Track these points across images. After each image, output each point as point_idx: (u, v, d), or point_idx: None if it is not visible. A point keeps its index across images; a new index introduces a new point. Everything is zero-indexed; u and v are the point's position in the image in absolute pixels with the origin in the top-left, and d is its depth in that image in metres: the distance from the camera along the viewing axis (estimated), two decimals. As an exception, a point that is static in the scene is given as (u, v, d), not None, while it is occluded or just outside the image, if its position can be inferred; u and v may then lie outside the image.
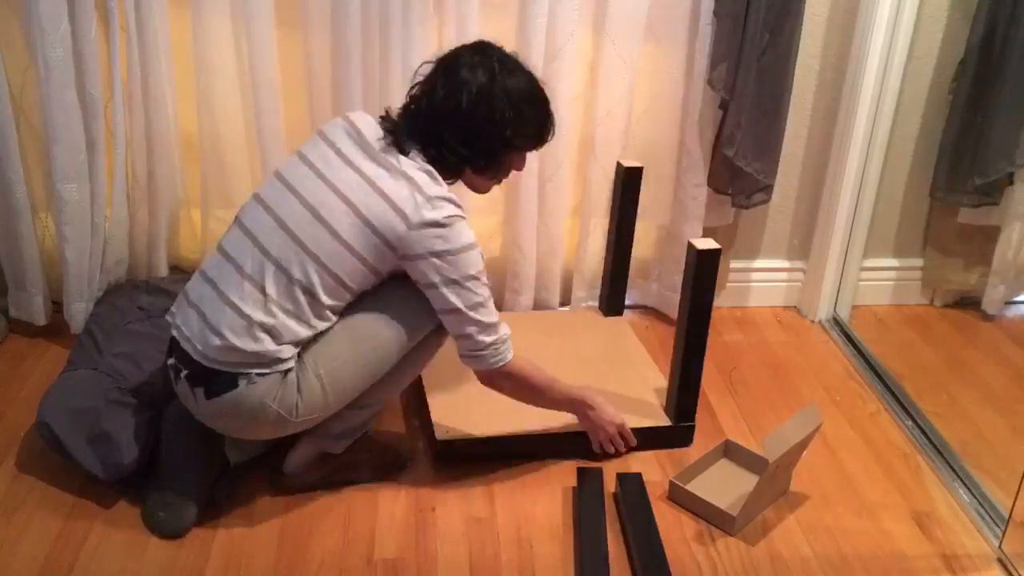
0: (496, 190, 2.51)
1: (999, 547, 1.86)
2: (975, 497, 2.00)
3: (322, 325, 1.72)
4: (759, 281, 2.77)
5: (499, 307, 2.62)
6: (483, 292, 1.76)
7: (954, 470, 2.08)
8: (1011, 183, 2.56)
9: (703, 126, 2.42)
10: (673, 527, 1.90)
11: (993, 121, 2.49)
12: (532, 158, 2.39)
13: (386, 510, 1.91)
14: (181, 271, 2.52)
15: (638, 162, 2.42)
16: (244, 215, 1.77)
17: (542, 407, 1.97)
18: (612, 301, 2.54)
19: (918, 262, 2.78)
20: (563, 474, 2.03)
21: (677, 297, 2.62)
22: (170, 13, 2.21)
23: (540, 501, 1.96)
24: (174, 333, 1.76)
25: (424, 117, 1.75)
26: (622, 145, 2.46)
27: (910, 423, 2.25)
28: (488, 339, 1.78)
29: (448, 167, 1.77)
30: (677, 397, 2.09)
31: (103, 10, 2.14)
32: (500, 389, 1.89)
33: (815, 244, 2.70)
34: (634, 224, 2.44)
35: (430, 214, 1.68)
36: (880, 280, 2.78)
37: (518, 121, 1.77)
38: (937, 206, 2.70)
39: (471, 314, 1.75)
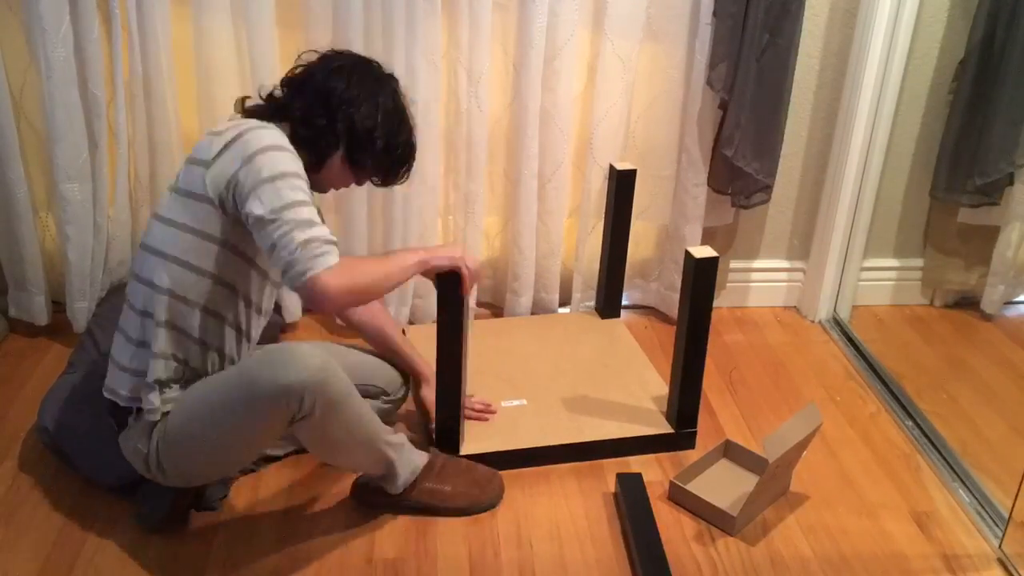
0: (496, 190, 2.53)
1: (999, 547, 1.86)
2: (975, 497, 2.00)
3: (197, 329, 1.66)
4: (759, 281, 2.77)
5: (499, 308, 2.66)
6: (292, 194, 1.52)
7: (954, 470, 2.08)
8: (1011, 183, 2.56)
9: (703, 126, 2.42)
10: (673, 527, 1.90)
11: (993, 121, 2.49)
12: (531, 157, 2.40)
13: (386, 510, 1.91)
14: None
15: (637, 162, 2.42)
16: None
17: (389, 291, 1.71)
18: (609, 303, 2.54)
19: (918, 262, 2.78)
20: (563, 474, 2.03)
21: (677, 297, 2.63)
22: (171, 13, 2.21)
23: (540, 501, 1.96)
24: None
25: (270, 97, 1.72)
26: (621, 145, 2.47)
27: (910, 423, 2.25)
28: (300, 237, 1.50)
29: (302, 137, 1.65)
30: (678, 403, 2.07)
31: (105, 10, 2.14)
32: (334, 302, 1.54)
33: (815, 244, 2.70)
34: (629, 226, 2.44)
35: (220, 140, 1.58)
36: (880, 280, 2.78)
37: (374, 139, 1.69)
38: (937, 206, 2.70)
39: (281, 216, 1.51)
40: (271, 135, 1.58)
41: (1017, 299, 2.77)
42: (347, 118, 1.67)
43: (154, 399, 1.66)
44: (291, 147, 1.59)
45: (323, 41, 2.23)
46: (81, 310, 2.37)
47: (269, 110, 1.69)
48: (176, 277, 1.62)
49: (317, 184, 1.74)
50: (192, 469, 1.72)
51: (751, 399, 2.34)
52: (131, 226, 2.39)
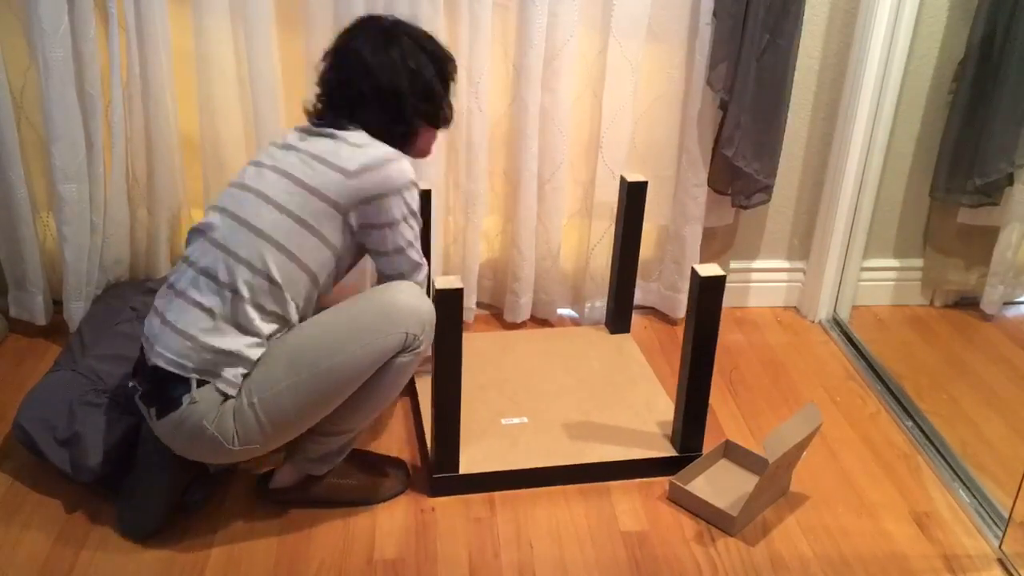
0: (496, 190, 2.53)
1: (999, 547, 1.86)
2: (975, 497, 2.00)
3: (289, 314, 1.69)
4: (759, 281, 2.77)
5: (499, 308, 2.66)
6: (413, 232, 1.77)
7: (954, 470, 2.08)
8: (1011, 183, 2.56)
9: (703, 126, 2.42)
10: (673, 527, 1.90)
11: (993, 121, 2.49)
12: (530, 158, 2.40)
13: (386, 510, 1.91)
14: None
15: (637, 162, 2.42)
16: (200, 224, 1.75)
17: None
18: (618, 319, 2.51)
19: (918, 262, 2.78)
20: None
21: (677, 297, 2.64)
22: (170, 13, 2.21)
23: (540, 502, 1.96)
24: (142, 342, 1.74)
25: (338, 102, 1.78)
26: (628, 147, 2.46)
27: (910, 423, 2.25)
28: (409, 275, 1.78)
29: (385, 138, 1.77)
30: (683, 430, 2.02)
31: (103, 10, 2.14)
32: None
33: (815, 244, 2.70)
34: (639, 241, 2.40)
35: (364, 158, 1.69)
36: (880, 280, 2.78)
37: (415, 85, 1.77)
38: (937, 206, 2.70)
39: (404, 253, 1.76)
40: (409, 168, 1.73)
41: (1017, 299, 2.77)
42: (415, 91, 1.77)
43: (237, 373, 1.66)
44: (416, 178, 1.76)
45: (324, 42, 2.23)
46: (77, 310, 2.37)
47: (349, 116, 1.76)
48: (281, 266, 1.67)
49: (417, 154, 1.88)
50: (294, 420, 1.70)
51: (751, 399, 2.34)
52: (128, 225, 2.39)
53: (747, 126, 2.38)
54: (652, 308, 2.74)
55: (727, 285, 2.72)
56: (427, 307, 1.74)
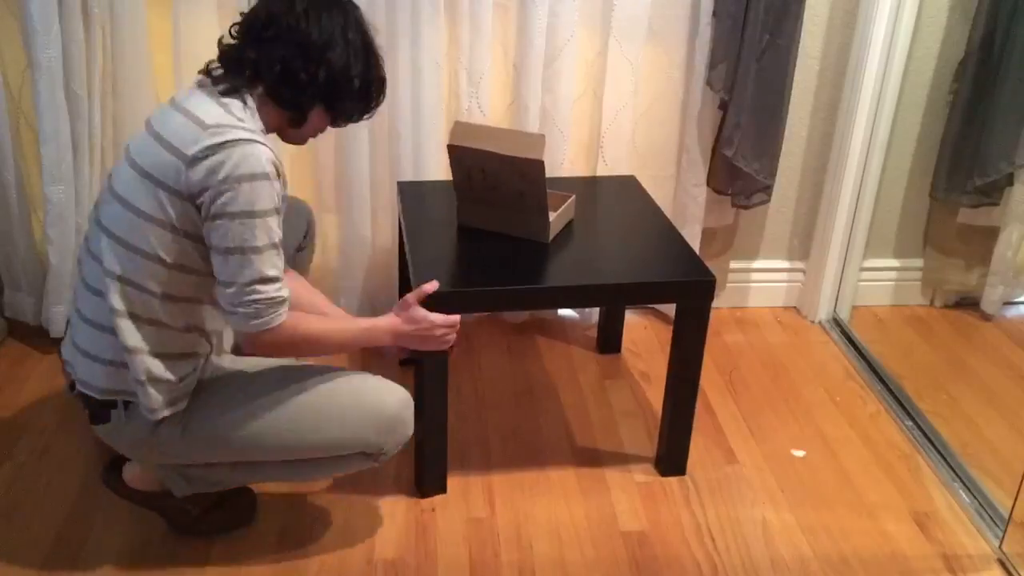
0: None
1: (999, 547, 1.86)
2: (975, 497, 2.00)
3: (170, 321, 1.56)
4: (759, 281, 2.77)
5: (516, 312, 2.65)
6: (266, 236, 1.48)
7: (954, 470, 2.08)
8: (1011, 183, 2.56)
9: (703, 126, 2.42)
10: (673, 527, 1.90)
11: (993, 121, 2.49)
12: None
13: (386, 510, 1.91)
14: None
15: (638, 163, 2.41)
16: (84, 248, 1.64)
17: (339, 352, 1.74)
18: (609, 341, 2.51)
19: (918, 262, 2.78)
20: (563, 475, 2.03)
21: (677, 297, 2.63)
22: (152, 10, 2.21)
23: (540, 502, 1.96)
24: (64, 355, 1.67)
25: (234, 53, 1.56)
26: (628, 147, 2.46)
27: (910, 423, 2.25)
28: (258, 294, 1.50)
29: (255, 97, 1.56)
30: (668, 453, 2.03)
31: (86, 9, 2.14)
32: (270, 352, 1.60)
33: (815, 244, 2.70)
34: None
35: (207, 141, 1.45)
36: (880, 280, 2.78)
37: (346, 80, 1.58)
38: (937, 206, 2.70)
39: (246, 258, 1.48)
40: (259, 159, 1.47)
41: (1017, 299, 2.77)
42: (327, 65, 1.55)
43: (155, 397, 1.56)
44: (274, 171, 1.49)
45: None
46: (58, 314, 2.34)
47: (241, 74, 1.55)
48: (128, 264, 1.51)
49: (296, 138, 1.67)
50: (220, 456, 1.66)
51: (751, 399, 2.34)
52: None
53: (747, 126, 2.38)
54: (652, 308, 2.74)
55: (727, 285, 2.73)
56: (393, 408, 1.65)
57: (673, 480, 2.03)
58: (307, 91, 1.57)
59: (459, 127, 1.89)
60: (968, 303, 2.78)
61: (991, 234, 2.65)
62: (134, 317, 1.54)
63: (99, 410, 1.64)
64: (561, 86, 2.34)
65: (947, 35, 2.49)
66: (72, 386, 1.67)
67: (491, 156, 1.86)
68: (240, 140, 1.46)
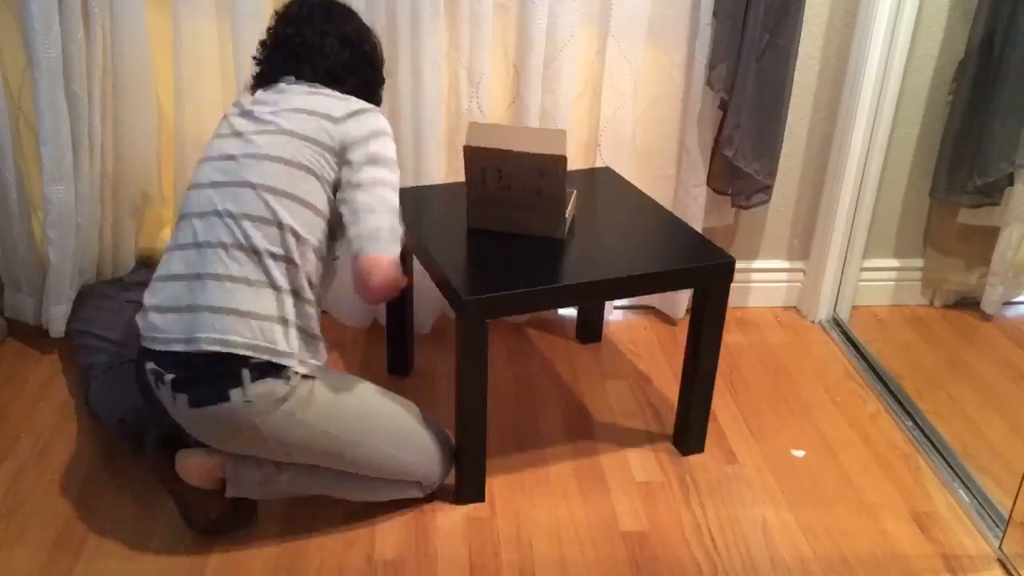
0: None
1: (999, 547, 1.86)
2: (975, 497, 2.00)
3: (312, 262, 1.71)
4: (759, 281, 2.77)
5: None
6: (395, 180, 1.75)
7: (954, 470, 2.08)
8: (1011, 183, 2.56)
9: (703, 126, 2.42)
10: (673, 527, 1.90)
11: (993, 121, 2.49)
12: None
13: (386, 510, 1.91)
14: (147, 267, 2.51)
15: (638, 162, 2.41)
16: (189, 206, 1.74)
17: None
18: (591, 330, 2.52)
19: (918, 262, 2.78)
20: (563, 475, 2.03)
21: (677, 297, 2.64)
22: (153, 10, 2.21)
23: (540, 501, 1.96)
24: (150, 346, 1.68)
25: (310, 64, 1.81)
26: (628, 146, 2.46)
27: (910, 423, 2.25)
28: (390, 222, 1.71)
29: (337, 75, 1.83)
30: (687, 432, 2.09)
31: (86, 9, 2.14)
32: (377, 291, 1.73)
33: (815, 244, 2.70)
34: None
35: (350, 106, 1.74)
36: (880, 280, 2.78)
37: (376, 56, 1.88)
38: (937, 206, 2.70)
39: (384, 192, 1.72)
40: (385, 121, 1.77)
41: (1017, 299, 2.77)
42: (371, 55, 1.87)
43: (290, 341, 1.66)
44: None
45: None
46: (57, 314, 2.34)
47: (329, 80, 1.82)
48: (296, 213, 1.68)
49: None
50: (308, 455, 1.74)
51: (751, 399, 2.34)
52: (99, 224, 2.38)
53: (747, 126, 2.38)
54: (652, 308, 2.74)
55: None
56: (451, 444, 1.92)
57: (673, 480, 2.03)
58: (377, 82, 1.89)
59: (474, 128, 1.89)
60: (968, 303, 2.78)
61: (991, 234, 2.65)
62: (288, 261, 1.68)
63: (217, 387, 1.63)
64: (561, 86, 2.34)
65: (947, 35, 2.49)
66: (154, 381, 1.68)
67: (511, 155, 1.86)
68: (371, 108, 1.77)
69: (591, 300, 2.37)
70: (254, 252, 1.66)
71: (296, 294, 1.69)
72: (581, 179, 2.30)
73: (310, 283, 1.71)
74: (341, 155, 1.72)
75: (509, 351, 2.50)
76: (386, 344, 2.34)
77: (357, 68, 1.83)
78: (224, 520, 1.82)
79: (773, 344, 2.60)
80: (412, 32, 2.22)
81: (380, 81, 1.91)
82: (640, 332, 2.62)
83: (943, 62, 2.52)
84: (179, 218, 1.75)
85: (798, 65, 2.40)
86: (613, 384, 2.38)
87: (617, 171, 2.43)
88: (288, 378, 1.65)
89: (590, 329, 2.54)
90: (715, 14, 2.27)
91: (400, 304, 2.26)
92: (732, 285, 2.71)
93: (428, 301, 2.53)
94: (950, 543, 1.89)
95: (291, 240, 1.67)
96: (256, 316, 1.64)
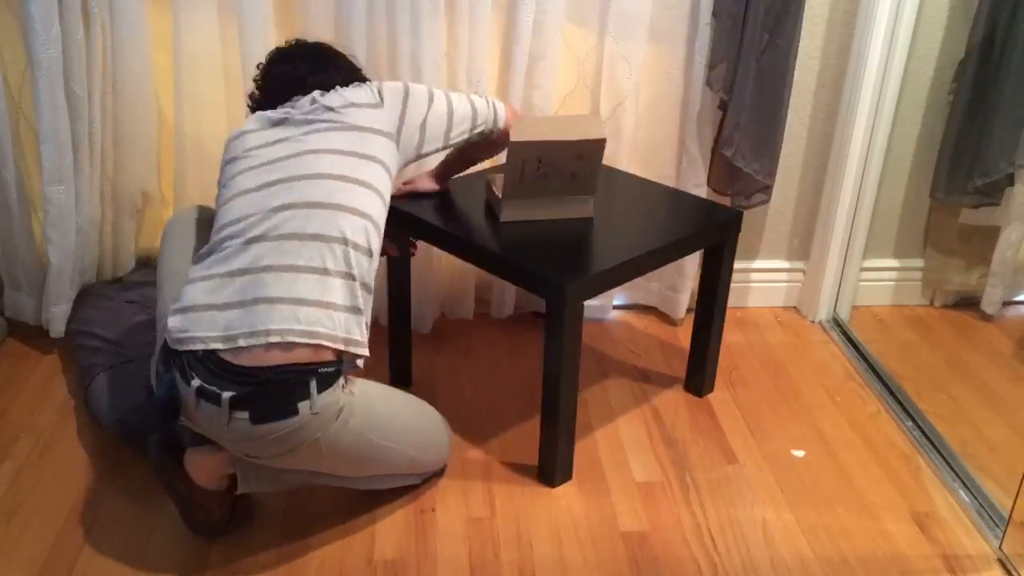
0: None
1: (999, 547, 1.86)
2: (975, 497, 2.00)
3: (377, 251, 1.73)
4: (759, 282, 2.77)
5: (501, 309, 2.66)
6: (449, 94, 1.91)
7: (954, 470, 2.08)
8: (1011, 183, 2.56)
9: (703, 126, 2.42)
10: (673, 527, 1.90)
11: (993, 121, 2.49)
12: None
13: (386, 510, 1.91)
14: (146, 267, 2.51)
15: (638, 163, 2.41)
16: (234, 211, 1.68)
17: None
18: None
19: (918, 262, 2.78)
20: (563, 475, 2.03)
21: (677, 297, 2.64)
22: (153, 8, 2.21)
23: (540, 501, 1.96)
24: (200, 346, 1.57)
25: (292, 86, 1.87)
26: (628, 146, 2.46)
27: (910, 423, 2.25)
28: (486, 101, 1.94)
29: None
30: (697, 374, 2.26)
31: (85, 8, 2.14)
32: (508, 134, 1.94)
33: (815, 244, 2.70)
34: None
35: (372, 91, 1.83)
36: (880, 281, 2.78)
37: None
38: (937, 206, 2.69)
39: (475, 98, 1.92)
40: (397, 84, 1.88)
41: (1017, 299, 2.77)
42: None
43: (363, 336, 1.66)
44: None
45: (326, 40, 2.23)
46: (57, 314, 2.34)
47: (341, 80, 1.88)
48: (367, 202, 1.71)
49: None
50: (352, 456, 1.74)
51: (751, 399, 2.34)
52: (100, 224, 2.38)
53: (746, 126, 2.38)
54: (652, 308, 2.74)
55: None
56: (448, 435, 1.96)
57: (673, 480, 2.03)
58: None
59: (516, 124, 1.93)
60: (968, 303, 2.78)
61: (991, 234, 2.65)
62: (358, 248, 1.68)
63: (283, 401, 1.57)
64: (560, 84, 2.34)
65: (947, 35, 2.49)
66: (196, 400, 1.59)
67: (554, 144, 1.90)
68: (383, 82, 1.87)
69: (645, 270, 2.24)
70: (330, 241, 1.63)
71: (365, 286, 1.68)
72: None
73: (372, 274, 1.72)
74: (399, 128, 1.81)
75: (510, 350, 2.50)
76: (387, 349, 2.34)
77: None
78: (224, 522, 1.81)
79: (773, 344, 2.60)
80: (412, 32, 2.22)
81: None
82: (640, 332, 2.62)
83: (943, 62, 2.52)
84: (220, 228, 1.69)
85: (798, 65, 2.40)
86: (613, 384, 2.38)
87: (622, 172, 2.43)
88: (342, 386, 1.63)
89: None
90: (715, 14, 2.27)
91: (399, 309, 2.26)
92: (732, 285, 2.74)
93: (427, 301, 2.53)
94: (950, 543, 1.89)
95: (368, 227, 1.69)
96: (336, 308, 1.61)
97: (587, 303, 2.63)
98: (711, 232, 2.08)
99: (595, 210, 2.08)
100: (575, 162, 1.93)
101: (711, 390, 2.34)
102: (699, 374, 2.31)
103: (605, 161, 2.44)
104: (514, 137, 1.91)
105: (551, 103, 2.37)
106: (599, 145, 1.92)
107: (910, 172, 2.66)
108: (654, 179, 2.50)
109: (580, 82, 2.43)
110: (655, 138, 2.49)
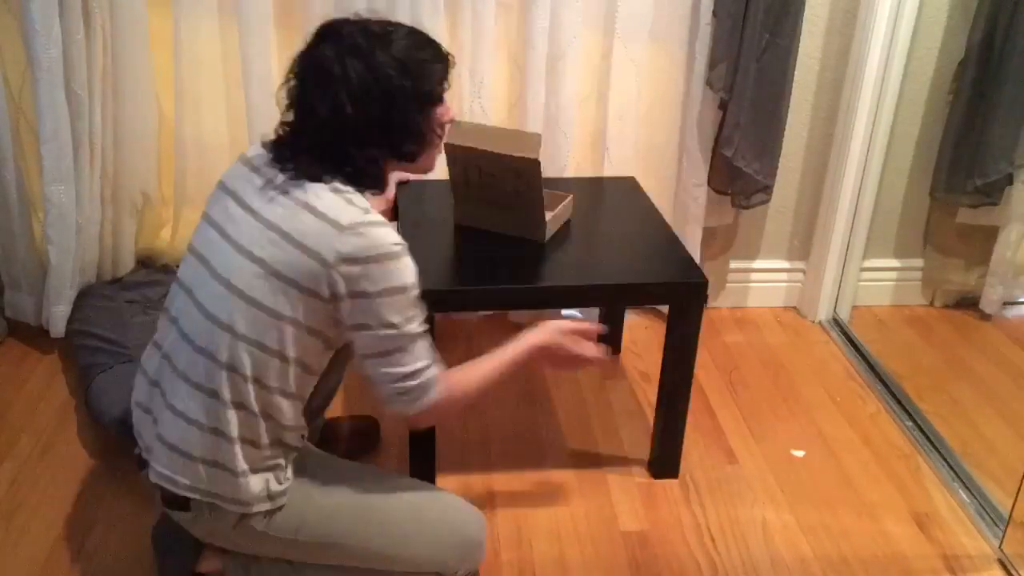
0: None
1: (999, 547, 1.86)
2: (975, 497, 2.00)
3: (288, 422, 1.48)
4: (759, 281, 2.77)
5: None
6: (407, 335, 1.45)
7: (954, 470, 2.08)
8: (1011, 183, 2.56)
9: (703, 126, 2.42)
10: (673, 527, 1.90)
11: (993, 121, 2.49)
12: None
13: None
14: (146, 267, 2.51)
15: (638, 163, 2.41)
16: (171, 303, 1.52)
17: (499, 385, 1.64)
18: (607, 341, 2.47)
19: (918, 262, 2.78)
20: (563, 475, 2.03)
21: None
22: (154, 11, 2.21)
23: (540, 501, 1.96)
24: (137, 426, 1.54)
25: (318, 136, 1.43)
26: (634, 148, 2.46)
27: (910, 423, 2.25)
28: (408, 384, 1.46)
29: (372, 176, 1.48)
30: (661, 455, 2.03)
31: (85, 8, 2.14)
32: (435, 422, 1.68)
33: (815, 244, 2.70)
34: None
35: (347, 248, 1.38)
36: (880, 280, 2.78)
37: (417, 78, 1.46)
38: (937, 206, 2.70)
39: (391, 358, 1.45)
40: (402, 269, 1.42)
41: (1017, 299, 2.77)
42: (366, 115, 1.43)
43: (253, 491, 1.46)
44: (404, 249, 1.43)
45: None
46: (58, 314, 2.33)
47: (309, 153, 1.45)
48: (259, 361, 1.42)
49: (418, 169, 1.58)
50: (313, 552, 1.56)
51: (751, 399, 2.34)
52: (100, 224, 2.37)
53: (747, 126, 2.38)
54: (652, 308, 2.74)
55: (727, 285, 2.73)
56: (475, 533, 1.59)
57: (673, 480, 2.03)
58: (404, 144, 1.50)
59: (456, 127, 1.89)
60: (968, 303, 2.78)
61: (991, 234, 2.66)
62: (242, 407, 1.44)
63: (179, 500, 1.50)
64: (565, 87, 2.34)
65: (947, 35, 2.49)
66: (142, 463, 1.55)
67: (487, 155, 1.86)
68: (385, 251, 1.40)
69: (540, 305, 2.22)
70: (209, 396, 1.43)
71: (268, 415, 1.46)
72: (601, 186, 2.31)
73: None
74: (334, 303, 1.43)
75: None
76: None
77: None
78: None
79: (773, 344, 2.60)
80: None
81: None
82: (640, 332, 2.62)
83: (943, 62, 2.52)
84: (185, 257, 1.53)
85: (798, 65, 2.40)
86: (613, 384, 2.38)
87: (623, 172, 2.42)
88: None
89: (609, 339, 2.48)
90: (715, 14, 2.27)
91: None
92: (732, 285, 2.74)
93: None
94: (950, 543, 1.89)
95: (256, 390, 1.44)
96: (205, 462, 1.45)
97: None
98: (656, 292, 1.95)
99: (572, 233, 2.01)
100: (515, 179, 1.87)
101: (674, 475, 2.04)
102: (659, 454, 2.03)
103: (612, 167, 2.44)
104: (447, 140, 1.79)
105: (565, 109, 2.36)
106: (532, 165, 1.82)
107: (910, 172, 2.66)
108: (655, 179, 2.51)
109: (593, 88, 2.42)
110: (655, 138, 2.49)
